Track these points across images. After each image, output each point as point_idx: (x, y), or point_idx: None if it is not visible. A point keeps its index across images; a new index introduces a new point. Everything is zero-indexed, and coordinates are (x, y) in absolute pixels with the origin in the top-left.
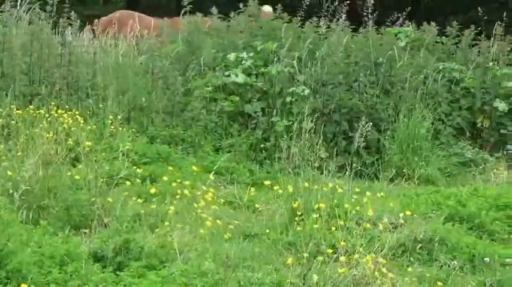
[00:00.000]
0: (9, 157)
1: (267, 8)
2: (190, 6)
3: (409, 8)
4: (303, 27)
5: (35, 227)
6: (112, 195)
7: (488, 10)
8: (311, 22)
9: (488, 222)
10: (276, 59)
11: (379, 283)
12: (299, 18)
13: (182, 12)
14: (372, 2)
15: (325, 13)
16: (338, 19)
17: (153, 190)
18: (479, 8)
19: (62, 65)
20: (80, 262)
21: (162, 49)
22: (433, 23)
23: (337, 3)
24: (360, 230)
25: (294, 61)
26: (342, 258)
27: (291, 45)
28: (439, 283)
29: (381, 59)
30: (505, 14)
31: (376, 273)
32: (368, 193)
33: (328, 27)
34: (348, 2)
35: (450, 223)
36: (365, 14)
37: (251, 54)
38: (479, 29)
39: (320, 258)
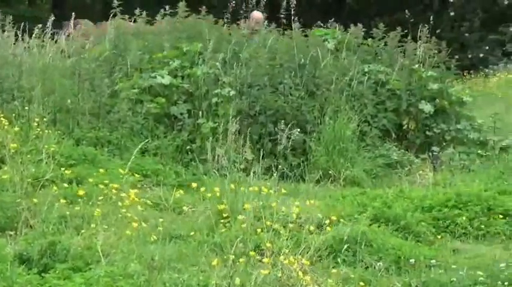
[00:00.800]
0: None
1: (257, 14)
2: (120, 8)
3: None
4: (229, 29)
5: None
6: (38, 197)
7: (414, 12)
8: (237, 24)
9: (413, 223)
10: (201, 60)
11: (304, 284)
12: (225, 20)
13: (111, 14)
14: (294, 2)
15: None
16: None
17: (80, 192)
18: (406, 11)
19: None
20: (5, 264)
21: (89, 51)
22: (359, 25)
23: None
24: (286, 231)
25: (217, 63)
26: (266, 260)
27: (216, 47)
28: (364, 284)
29: (303, 60)
30: (430, 16)
31: (300, 274)
32: (294, 195)
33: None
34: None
35: (376, 224)
36: (282, 16)
37: (177, 55)
38: (405, 31)
39: (243, 260)
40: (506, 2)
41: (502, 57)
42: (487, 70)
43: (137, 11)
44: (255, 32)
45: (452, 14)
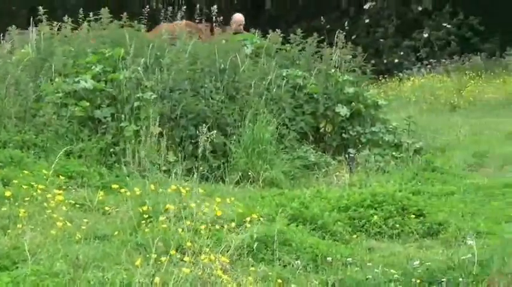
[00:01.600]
0: None
1: (238, 16)
2: (46, 16)
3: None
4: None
5: None
6: None
7: (331, 19)
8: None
9: (330, 223)
10: (123, 65)
11: (224, 282)
12: (144, 25)
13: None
14: (216, 10)
15: (168, 19)
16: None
17: (7, 193)
18: (322, 18)
19: None
20: None
21: (14, 56)
22: (278, 31)
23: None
24: (207, 231)
25: (139, 67)
26: (187, 258)
27: (138, 52)
28: (282, 282)
29: (222, 65)
30: (346, 23)
31: (220, 273)
32: (215, 196)
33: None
34: (184, 8)
35: (294, 223)
36: (199, 20)
37: (100, 60)
38: (322, 37)
39: (165, 258)
40: (419, 9)
41: (415, 62)
42: (401, 75)
43: (65, 18)
44: (240, 33)
45: (367, 21)
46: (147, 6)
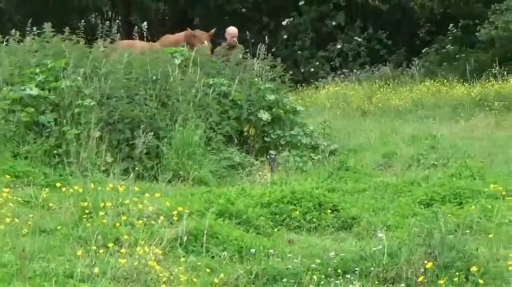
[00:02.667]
0: None
1: (232, 29)
2: None
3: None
4: (90, 47)
5: None
6: None
7: (253, 33)
8: (95, 42)
9: (254, 218)
10: (64, 75)
11: (158, 272)
12: (83, 38)
13: None
14: (146, 26)
15: (105, 33)
16: (113, 39)
17: None
18: (247, 32)
19: None
20: None
21: None
22: (205, 43)
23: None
24: (142, 225)
25: (79, 77)
26: (123, 250)
27: (78, 63)
28: (211, 271)
29: (155, 75)
30: (266, 36)
31: (154, 263)
32: (149, 193)
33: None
34: (119, 22)
35: (221, 218)
36: (137, 35)
37: (43, 70)
38: (246, 49)
39: (103, 250)
40: (333, 24)
41: (330, 71)
42: (317, 83)
43: (12, 31)
44: (235, 45)
45: (285, 36)
46: (83, 21)
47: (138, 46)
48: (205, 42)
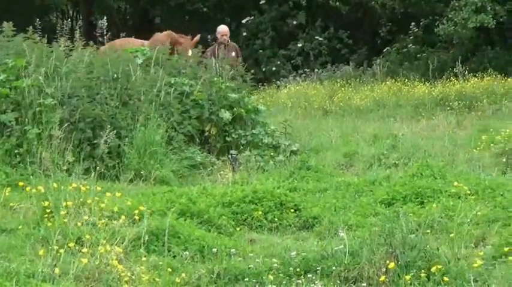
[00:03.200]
0: None
1: (223, 28)
2: None
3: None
4: (51, 47)
5: None
6: None
7: (214, 32)
8: (56, 41)
9: (215, 217)
10: (25, 74)
11: (119, 271)
12: (43, 37)
13: None
14: (106, 24)
15: (65, 33)
16: (74, 39)
17: None
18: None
19: None
20: None
21: None
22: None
23: (76, 23)
24: (103, 225)
25: (40, 76)
26: (85, 250)
27: (39, 62)
28: (172, 271)
29: (116, 74)
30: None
31: (116, 263)
32: (110, 193)
33: (72, 46)
34: (80, 23)
35: (183, 218)
36: (99, 34)
37: (4, 70)
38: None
39: (63, 250)
40: (294, 23)
41: (291, 70)
42: (278, 82)
43: None
44: (226, 43)
45: (245, 34)
46: (38, 20)
47: (132, 44)
48: (190, 51)
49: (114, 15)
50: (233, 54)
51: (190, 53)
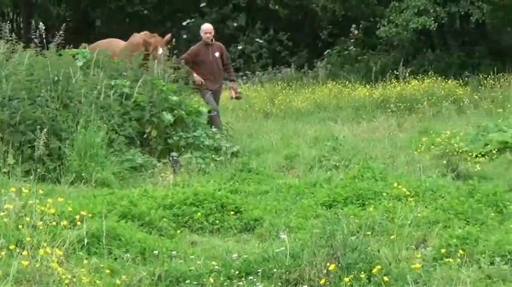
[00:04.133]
0: None
1: (207, 26)
2: None
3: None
4: None
5: None
6: None
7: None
8: None
9: (157, 219)
10: None
11: (60, 274)
12: None
13: None
14: (44, 27)
15: (4, 35)
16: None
17: None
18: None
19: None
20: None
21: None
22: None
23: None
24: (45, 227)
25: None
26: (25, 252)
27: None
28: (113, 273)
29: (57, 77)
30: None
31: (56, 265)
32: (52, 195)
33: (12, 49)
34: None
35: (124, 220)
36: (34, 36)
37: None
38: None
39: (4, 252)
40: (235, 25)
41: (233, 72)
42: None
43: None
44: (211, 42)
45: (185, 36)
46: None
47: (114, 45)
48: (160, 49)
49: (54, 18)
50: (217, 54)
51: (160, 51)
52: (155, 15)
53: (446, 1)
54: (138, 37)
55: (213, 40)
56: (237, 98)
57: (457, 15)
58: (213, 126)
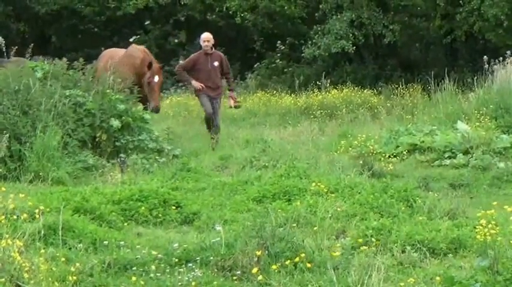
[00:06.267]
0: None
1: (206, 35)
2: None
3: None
4: None
5: None
6: None
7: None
8: None
9: (106, 213)
10: None
11: (20, 262)
12: None
13: None
14: (3, 41)
15: None
16: None
17: None
18: (102, 48)
19: None
20: None
21: None
22: (64, 59)
23: None
24: (6, 221)
25: None
26: None
27: None
28: (68, 261)
29: (17, 87)
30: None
31: (17, 255)
32: (12, 192)
33: None
34: None
35: (77, 214)
36: None
37: None
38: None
39: None
40: (176, 41)
41: (174, 83)
42: (162, 94)
43: None
44: (210, 51)
45: None
46: None
47: (117, 53)
48: (156, 77)
49: (14, 33)
50: (216, 63)
51: (157, 79)
52: (104, 32)
53: (362, 25)
54: (136, 50)
55: (213, 49)
56: (235, 107)
57: (371, 35)
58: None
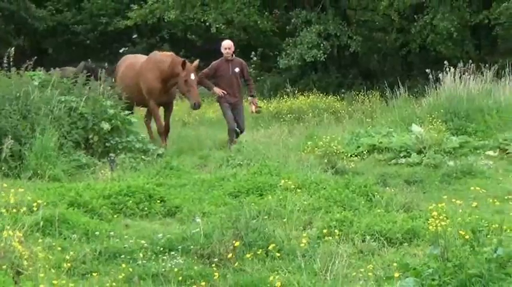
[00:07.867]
0: None
1: (227, 42)
2: None
3: (35, 57)
4: None
5: None
6: None
7: (97, 60)
8: None
9: (98, 207)
10: None
11: (20, 251)
12: None
13: None
14: (13, 53)
15: None
16: None
17: None
18: (89, 59)
19: None
20: None
21: None
22: (57, 69)
23: None
24: (8, 213)
25: None
26: None
27: None
28: (62, 250)
29: (18, 93)
30: (106, 64)
31: (18, 244)
32: (14, 188)
33: None
34: None
35: (71, 208)
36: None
37: None
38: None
39: None
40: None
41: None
42: None
43: None
44: (231, 58)
45: None
46: None
47: (139, 59)
48: (192, 75)
49: (14, 47)
50: (236, 70)
51: (193, 76)
52: (96, 45)
53: (329, 36)
54: (160, 56)
55: (233, 55)
56: (257, 112)
57: (336, 47)
58: (228, 139)
